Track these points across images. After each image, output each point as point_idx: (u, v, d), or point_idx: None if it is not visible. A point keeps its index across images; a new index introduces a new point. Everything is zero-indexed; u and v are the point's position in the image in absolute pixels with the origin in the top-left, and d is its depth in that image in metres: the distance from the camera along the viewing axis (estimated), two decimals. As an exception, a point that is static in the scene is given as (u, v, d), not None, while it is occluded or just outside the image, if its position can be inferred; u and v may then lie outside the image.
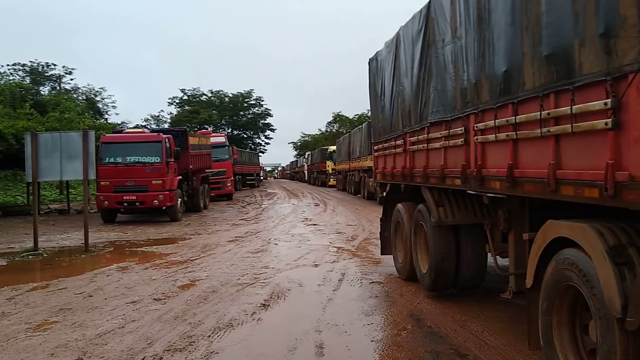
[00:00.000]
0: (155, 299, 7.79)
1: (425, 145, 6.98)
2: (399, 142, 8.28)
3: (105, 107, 51.39)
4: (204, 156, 24.28)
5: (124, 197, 18.83)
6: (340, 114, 75.72)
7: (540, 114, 4.06)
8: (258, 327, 6.44)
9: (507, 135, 4.64)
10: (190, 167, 21.82)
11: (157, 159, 18.91)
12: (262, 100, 76.18)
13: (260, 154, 78.30)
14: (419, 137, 7.23)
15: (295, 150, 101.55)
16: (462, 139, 5.74)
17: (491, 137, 5.01)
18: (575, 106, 3.62)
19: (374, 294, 7.84)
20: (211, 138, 30.37)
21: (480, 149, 5.33)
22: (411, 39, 7.45)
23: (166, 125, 63.24)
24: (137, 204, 18.94)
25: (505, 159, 4.71)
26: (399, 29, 8.14)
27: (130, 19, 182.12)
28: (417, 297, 7.53)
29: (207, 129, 62.20)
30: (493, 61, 4.93)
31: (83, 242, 13.06)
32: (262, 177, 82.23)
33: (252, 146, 77.00)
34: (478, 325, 6.10)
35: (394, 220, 8.91)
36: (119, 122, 46.80)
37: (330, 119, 78.65)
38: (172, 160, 19.48)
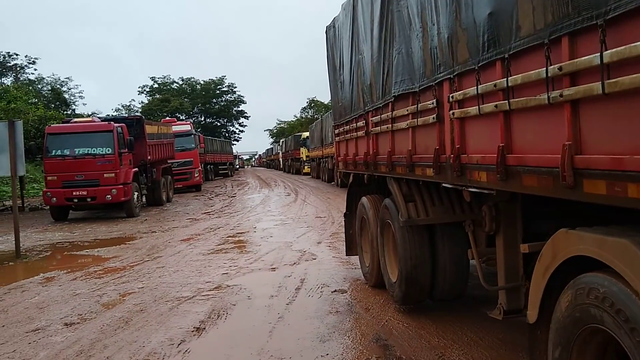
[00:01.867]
0: (66, 324, 6.33)
1: (390, 125, 5.57)
2: (360, 123, 6.87)
3: (72, 98, 49.33)
4: (164, 146, 22.64)
5: (74, 193, 17.22)
6: (315, 99, 74.06)
7: (547, 71, 2.68)
8: (182, 363, 5.03)
9: (497, 106, 3.25)
10: (149, 157, 20.18)
11: (108, 150, 17.30)
12: (235, 87, 74.55)
13: (234, 142, 76.75)
14: (382, 115, 5.82)
15: (272, 137, 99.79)
16: (434, 115, 4.35)
17: (473, 109, 3.62)
18: (612, 51, 2.23)
19: (335, 309, 6.45)
20: (175, 126, 28.81)
21: (459, 128, 3.94)
22: (370, -5, 6.02)
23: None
24: (89, 199, 17.34)
25: (494, 139, 3.33)
26: (356, -15, 6.71)
27: (99, 7, 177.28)
28: (386, 311, 6.16)
29: (178, 117, 60.33)
30: (472, 3, 3.52)
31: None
32: (237, 166, 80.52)
33: (226, 134, 75.18)
34: (461, 355, 4.75)
35: (359, 216, 7.52)
36: (90, 112, 44.73)
37: (305, 104, 77.03)
38: (126, 151, 17.85)
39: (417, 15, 4.56)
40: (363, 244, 7.56)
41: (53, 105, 44.75)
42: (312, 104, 74.00)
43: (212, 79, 73.13)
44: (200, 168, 30.40)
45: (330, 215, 15.76)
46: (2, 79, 45.83)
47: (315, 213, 16.69)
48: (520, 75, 2.96)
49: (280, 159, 64.98)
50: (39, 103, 35.38)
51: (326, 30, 8.75)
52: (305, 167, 41.78)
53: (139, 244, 12.25)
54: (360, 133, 6.85)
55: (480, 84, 3.44)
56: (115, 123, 18.06)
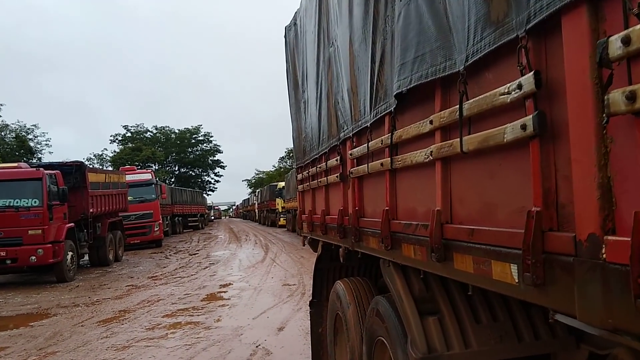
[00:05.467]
0: None
1: (388, 159, 2.81)
2: (332, 161, 4.11)
3: (39, 146, 46.11)
4: (114, 197, 19.61)
5: (-11, 254, 14.08)
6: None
7: None
8: None
9: None
10: (91, 210, 17.15)
11: (35, 202, 14.28)
12: (211, 136, 71.90)
13: (209, 192, 73.72)
14: (372, 142, 3.07)
15: (250, 187, 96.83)
16: (530, 119, 1.61)
17: None
18: None
19: None
20: (134, 175, 25.95)
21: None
22: None
23: (109, 164, 58.18)
24: (8, 262, 14.19)
25: None
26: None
27: (71, 54, 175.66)
28: None
29: (150, 166, 57.22)
30: None
31: None
32: (212, 217, 77.09)
33: (201, 184, 72.11)
34: None
35: (332, 310, 4.69)
36: (62, 160, 41.60)
37: (284, 154, 74.63)
38: (59, 203, 14.86)
39: None
40: (337, 356, 4.70)
41: (17, 154, 41.69)
42: (291, 154, 71.67)
43: (187, 128, 70.49)
44: (160, 221, 27.21)
45: (302, 282, 12.81)
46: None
47: (283, 278, 13.72)
48: None
49: (256, 210, 62.02)
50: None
51: (285, 33, 6.09)
52: (281, 219, 38.82)
53: (44, 326, 9.16)
54: (333, 177, 4.07)
55: None
56: (48, 170, 15.12)
